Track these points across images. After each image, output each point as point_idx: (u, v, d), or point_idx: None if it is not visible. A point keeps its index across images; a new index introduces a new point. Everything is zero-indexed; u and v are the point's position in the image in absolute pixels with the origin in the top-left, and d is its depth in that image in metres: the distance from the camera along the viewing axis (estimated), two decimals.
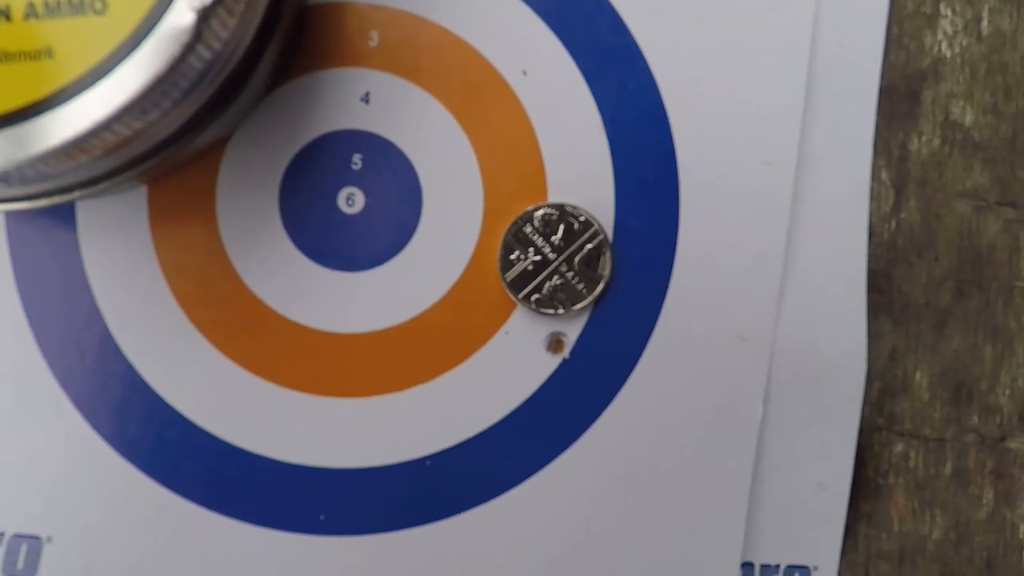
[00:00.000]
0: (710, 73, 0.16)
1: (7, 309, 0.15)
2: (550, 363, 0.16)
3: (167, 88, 0.12)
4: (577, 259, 0.15)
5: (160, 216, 0.15)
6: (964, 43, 0.18)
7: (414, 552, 0.15)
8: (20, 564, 0.15)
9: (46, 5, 0.11)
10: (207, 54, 0.12)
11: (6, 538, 0.15)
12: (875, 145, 0.17)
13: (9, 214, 0.15)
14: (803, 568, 0.17)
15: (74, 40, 0.11)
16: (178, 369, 0.15)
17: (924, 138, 0.18)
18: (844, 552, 0.18)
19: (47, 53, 0.11)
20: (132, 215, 0.15)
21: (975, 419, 0.18)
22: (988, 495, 0.18)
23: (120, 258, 0.15)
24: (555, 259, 0.15)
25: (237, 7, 0.12)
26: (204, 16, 0.11)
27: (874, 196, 0.17)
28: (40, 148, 0.11)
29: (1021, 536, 0.18)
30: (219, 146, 0.15)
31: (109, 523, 0.15)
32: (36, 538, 0.15)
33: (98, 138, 0.12)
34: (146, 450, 0.15)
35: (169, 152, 0.14)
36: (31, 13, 0.11)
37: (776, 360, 0.16)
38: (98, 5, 0.11)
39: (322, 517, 0.15)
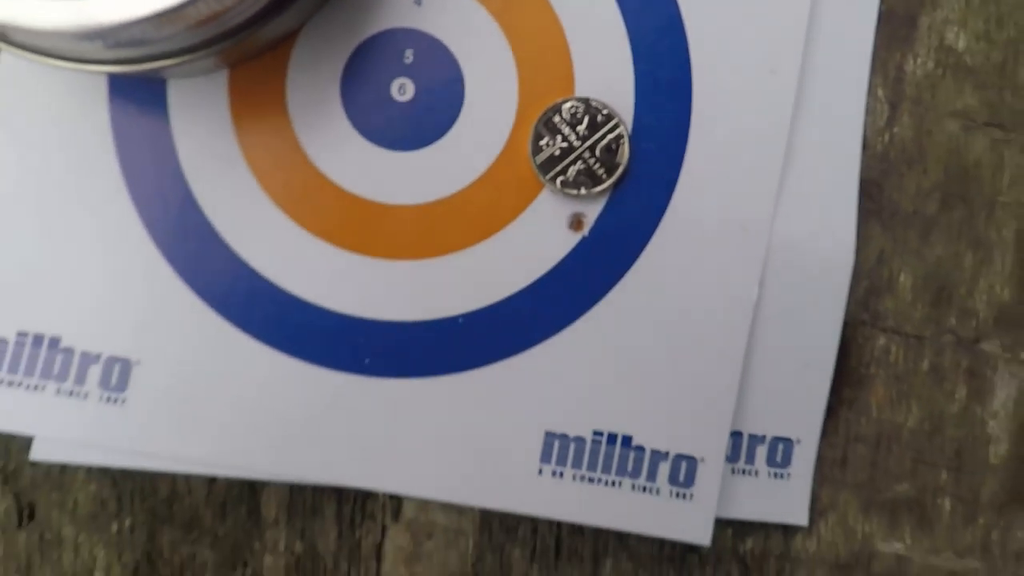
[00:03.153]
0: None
1: (106, 168, 0.18)
2: (571, 240, 0.18)
3: None
4: (599, 147, 0.18)
5: (238, 97, 0.18)
6: None
7: (442, 396, 0.18)
8: (114, 381, 0.18)
9: None
10: None
11: (103, 359, 0.18)
12: (873, 64, 0.19)
13: (112, 87, 0.18)
14: (787, 440, 0.19)
15: None
16: (249, 227, 0.18)
17: (919, 60, 0.20)
18: (825, 432, 0.20)
19: None
20: (215, 95, 0.18)
21: (953, 321, 0.20)
22: (961, 391, 0.20)
23: (203, 130, 0.18)
24: (579, 146, 0.18)
25: None
26: None
27: (870, 111, 0.20)
28: (140, 13, 0.14)
29: (989, 431, 0.20)
30: (290, 38, 0.18)
31: (186, 352, 0.18)
32: (127, 360, 0.18)
33: (198, 19, 0.15)
34: (219, 294, 0.18)
35: (247, 35, 0.16)
36: None
37: (772, 251, 0.18)
38: None
39: (367, 360, 0.18)
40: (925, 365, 0.20)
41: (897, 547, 0.20)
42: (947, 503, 0.20)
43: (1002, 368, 0.20)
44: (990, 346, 0.20)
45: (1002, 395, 0.20)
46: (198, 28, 0.15)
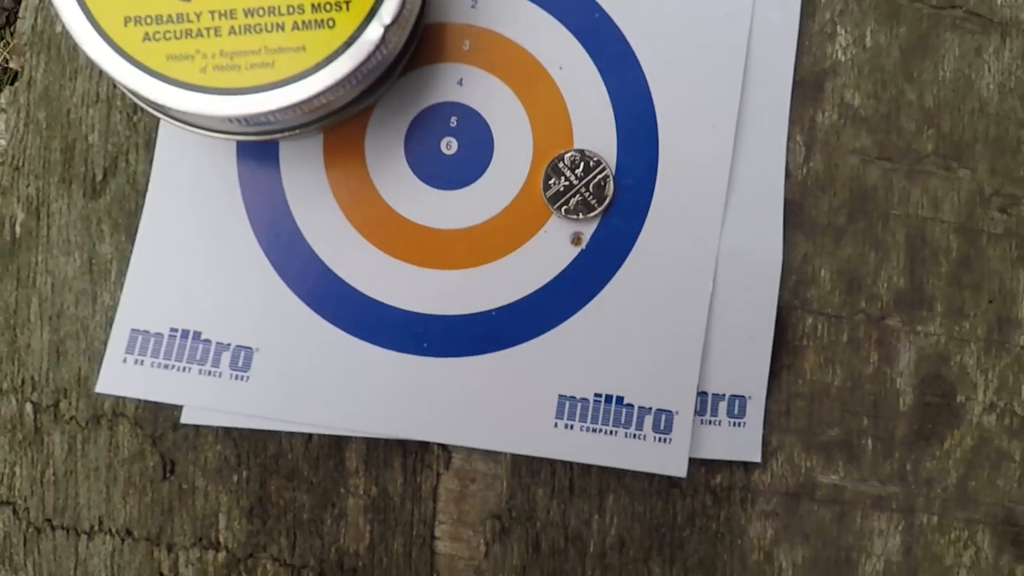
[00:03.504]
0: (679, 69, 0.25)
1: (234, 206, 0.24)
2: (572, 252, 0.25)
3: (357, 75, 0.21)
4: (592, 184, 0.24)
5: (330, 152, 0.25)
6: (853, 52, 0.26)
7: (481, 370, 0.24)
8: (240, 363, 0.24)
9: (304, 22, 0.20)
10: (384, 57, 0.21)
11: (232, 347, 0.24)
12: (791, 117, 0.26)
13: (240, 147, 0.24)
14: (741, 397, 0.25)
15: (316, 42, 0.20)
16: (337, 247, 0.24)
17: (826, 114, 0.27)
18: (771, 390, 0.26)
19: (301, 49, 0.20)
20: (313, 151, 0.24)
21: (863, 303, 0.26)
22: (873, 356, 0.26)
23: (304, 177, 0.24)
24: (577, 184, 0.24)
25: (401, 26, 0.21)
26: (386, 31, 0.21)
27: (790, 151, 0.26)
28: (306, 95, 0.20)
29: (897, 386, 0.26)
30: (369, 109, 0.25)
31: (292, 340, 0.24)
32: (250, 348, 0.24)
33: (313, 105, 0.21)
34: (315, 297, 0.24)
35: (341, 114, 0.23)
36: (295, 27, 0.20)
37: (721, 255, 0.25)
38: (330, 22, 0.20)
39: (425, 344, 0.24)
40: (844, 338, 0.26)
41: (833, 478, 0.26)
42: (869, 443, 0.26)
43: (903, 338, 0.26)
44: (893, 321, 0.26)
45: (905, 358, 0.26)
46: (309, 113, 0.22)
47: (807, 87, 0.27)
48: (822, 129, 0.27)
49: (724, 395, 0.25)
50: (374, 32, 0.21)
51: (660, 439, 0.25)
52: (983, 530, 0.26)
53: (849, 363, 0.26)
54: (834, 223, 0.27)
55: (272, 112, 0.21)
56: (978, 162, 0.27)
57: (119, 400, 0.24)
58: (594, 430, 0.24)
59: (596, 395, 0.25)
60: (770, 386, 0.26)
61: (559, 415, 0.24)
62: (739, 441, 0.25)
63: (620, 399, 0.25)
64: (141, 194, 0.24)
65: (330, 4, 0.21)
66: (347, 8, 0.21)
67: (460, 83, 0.25)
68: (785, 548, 0.26)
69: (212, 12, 0.20)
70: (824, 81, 0.27)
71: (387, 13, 0.21)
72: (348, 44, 0.21)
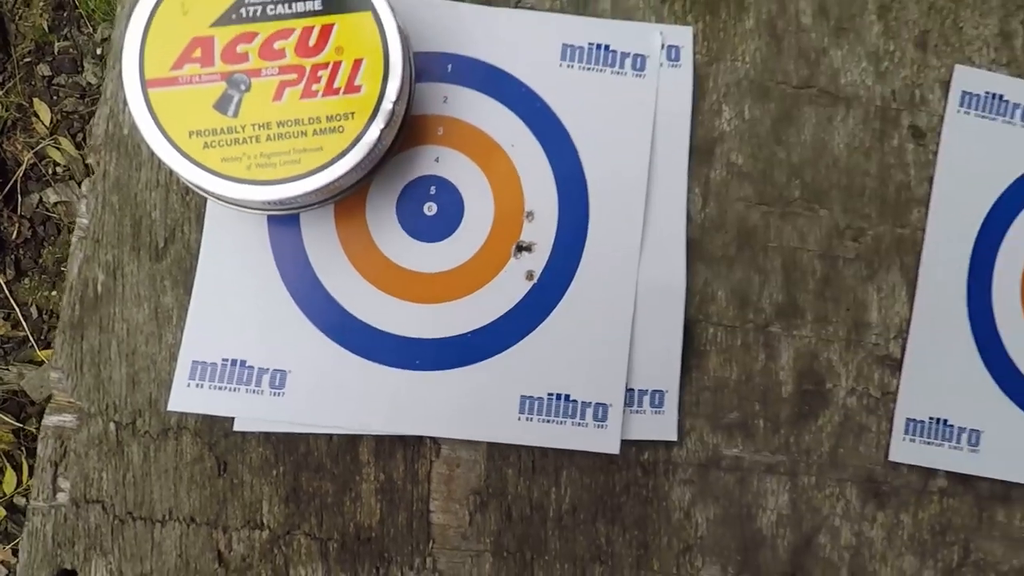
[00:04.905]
0: (602, 144, 0.33)
1: (267, 261, 0.32)
2: (527, 286, 0.33)
3: (361, 165, 0.29)
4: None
5: (340, 216, 0.32)
6: (736, 124, 0.35)
7: (460, 380, 0.32)
8: (277, 383, 0.31)
9: (321, 129, 0.28)
10: (380, 149, 0.29)
11: (270, 371, 0.31)
12: (690, 174, 0.34)
13: (270, 217, 0.32)
14: (660, 391, 0.33)
15: (331, 144, 0.28)
16: (347, 289, 0.32)
17: (717, 171, 0.35)
18: (683, 386, 0.34)
19: (320, 149, 0.28)
20: (327, 217, 0.32)
21: (751, 315, 0.35)
22: (761, 356, 0.35)
23: (320, 235, 0.32)
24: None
25: (393, 127, 0.29)
26: (382, 132, 0.28)
27: (691, 201, 0.35)
28: (324, 183, 0.28)
29: (780, 378, 0.35)
30: (369, 183, 0.33)
31: (316, 363, 0.31)
32: (284, 371, 0.31)
33: (329, 187, 0.29)
34: (332, 328, 0.32)
35: (349, 191, 0.31)
36: (315, 132, 0.28)
37: (640, 284, 0.33)
38: (340, 128, 0.28)
39: (417, 361, 0.32)
40: (738, 342, 0.35)
41: (734, 451, 0.34)
42: (761, 423, 0.34)
43: (783, 341, 0.35)
44: (775, 328, 0.35)
45: (785, 356, 0.35)
46: (325, 193, 0.30)
47: (702, 152, 0.35)
48: (715, 183, 0.35)
49: (647, 390, 0.33)
50: (373, 134, 0.29)
51: (598, 426, 0.33)
52: (851, 487, 0.35)
53: (743, 362, 0.35)
54: (727, 255, 0.35)
55: (298, 196, 0.29)
56: (834, 204, 0.35)
57: (183, 416, 0.32)
58: (548, 421, 0.32)
59: (549, 394, 0.32)
60: (682, 382, 0.34)
61: (521, 411, 0.32)
62: (660, 425, 0.33)
63: (567, 396, 0.33)
64: (194, 256, 0.32)
65: (340, 115, 0.29)
66: (352, 117, 0.29)
67: (437, 160, 0.33)
68: (700, 507, 0.34)
69: (254, 125, 0.28)
70: (715, 146, 0.35)
71: (382, 119, 0.29)
72: (355, 143, 0.29)
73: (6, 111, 0.69)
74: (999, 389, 0.35)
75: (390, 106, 0.29)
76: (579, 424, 0.33)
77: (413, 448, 0.33)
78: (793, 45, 0.36)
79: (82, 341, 0.32)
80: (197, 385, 0.31)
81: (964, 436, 0.35)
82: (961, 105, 0.36)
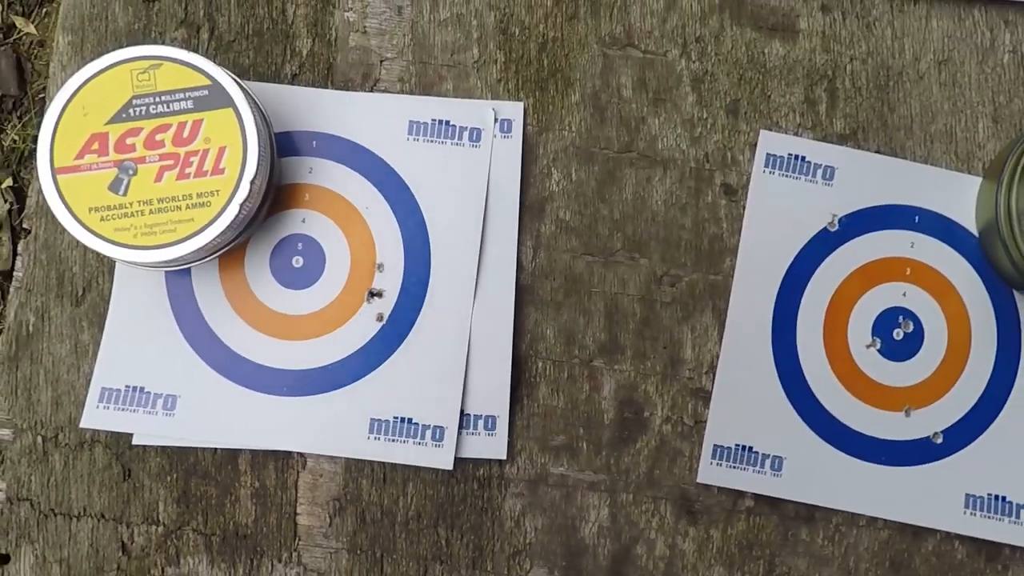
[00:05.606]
0: (442, 205, 0.39)
1: (164, 308, 0.39)
2: (377, 326, 0.39)
3: (227, 232, 0.36)
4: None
5: (224, 270, 0.39)
6: (564, 184, 0.41)
7: (321, 405, 0.39)
8: (169, 405, 0.38)
9: (192, 204, 0.35)
10: (242, 217, 0.36)
11: (164, 395, 0.38)
12: (523, 230, 0.40)
13: (167, 271, 0.39)
14: (492, 416, 0.39)
15: (200, 216, 0.35)
16: (227, 327, 0.39)
17: (547, 226, 0.41)
18: (516, 412, 0.40)
19: (191, 220, 0.35)
20: (211, 269, 0.39)
21: (577, 351, 0.40)
22: (586, 387, 0.40)
23: (207, 284, 0.39)
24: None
25: (253, 199, 0.36)
26: (242, 204, 0.35)
27: (523, 253, 0.40)
28: (195, 248, 0.35)
29: (602, 407, 0.40)
30: (247, 241, 0.39)
31: (204, 389, 0.38)
32: (175, 395, 0.38)
33: (201, 250, 0.36)
34: (215, 361, 0.39)
35: (228, 248, 0.38)
36: (188, 207, 0.35)
37: (472, 327, 0.39)
38: (207, 203, 0.35)
39: (284, 388, 0.38)
40: (565, 375, 0.40)
41: (561, 470, 0.40)
42: (584, 445, 0.40)
43: (606, 374, 0.40)
44: (598, 363, 0.40)
45: (607, 387, 0.40)
46: (202, 253, 0.37)
47: (534, 209, 0.41)
48: (545, 236, 0.41)
49: (481, 415, 0.39)
50: (233, 211, 0.36)
51: (436, 445, 0.39)
52: (665, 504, 0.40)
53: (569, 392, 0.40)
54: (555, 299, 0.40)
55: (175, 259, 0.36)
56: (653, 253, 0.41)
57: (96, 432, 0.39)
58: (393, 440, 0.39)
59: (395, 417, 0.39)
60: (515, 409, 0.40)
61: (371, 431, 0.39)
62: (492, 446, 0.39)
63: (410, 419, 0.39)
64: (107, 302, 0.40)
65: (208, 192, 0.36)
66: (217, 194, 0.36)
67: (304, 221, 0.40)
68: (530, 517, 0.39)
69: (139, 201, 0.36)
70: (545, 204, 0.41)
71: (241, 194, 0.36)
72: (219, 215, 0.36)
73: (24, 143, 0.79)
74: (800, 420, 0.40)
75: (247, 184, 0.36)
76: (419, 443, 0.39)
77: (283, 461, 0.40)
78: (615, 115, 0.41)
79: (17, 371, 0.40)
80: (105, 407, 0.38)
81: (768, 461, 0.39)
82: (766, 166, 0.41)
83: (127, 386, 0.39)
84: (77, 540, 0.39)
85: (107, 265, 0.40)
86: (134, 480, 0.40)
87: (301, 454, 0.40)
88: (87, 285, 0.40)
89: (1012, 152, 0.38)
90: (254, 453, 0.40)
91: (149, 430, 0.39)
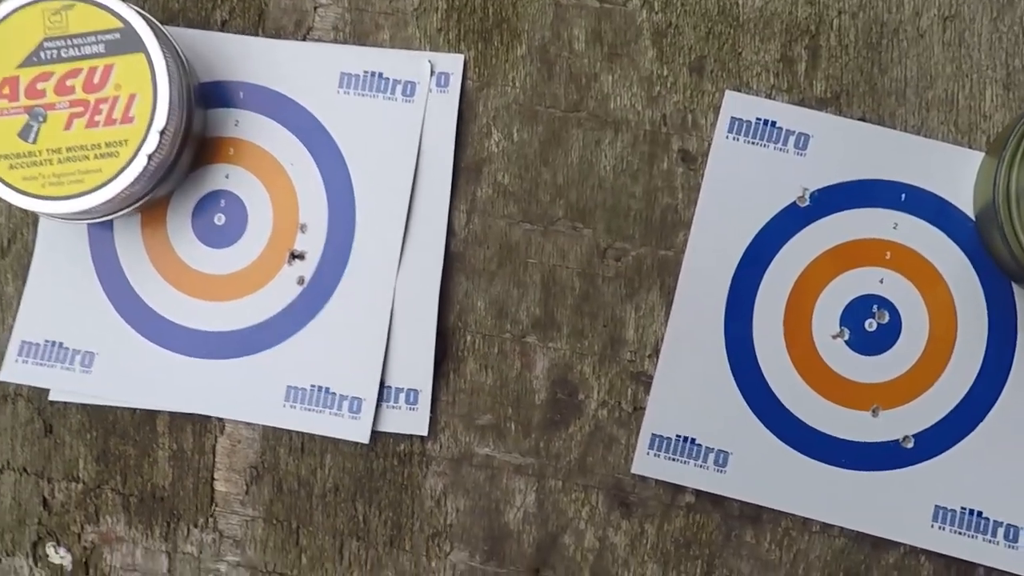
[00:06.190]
0: (370, 161, 0.37)
1: (86, 263, 0.38)
2: (298, 289, 0.37)
3: (135, 184, 0.34)
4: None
5: (145, 224, 0.38)
6: (504, 145, 0.38)
7: (242, 368, 0.37)
8: (86, 362, 0.38)
9: (100, 154, 0.34)
10: (152, 169, 0.34)
11: (81, 351, 0.38)
12: (457, 193, 0.37)
13: (90, 224, 0.38)
14: (414, 390, 0.37)
15: (108, 166, 0.34)
16: (150, 288, 0.38)
17: (483, 190, 0.38)
18: (441, 387, 0.38)
19: (99, 171, 0.34)
20: (133, 224, 0.38)
21: (509, 326, 0.38)
22: (517, 364, 0.37)
23: (129, 241, 0.38)
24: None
25: (163, 150, 0.34)
26: (150, 156, 0.34)
27: (456, 217, 0.38)
28: (102, 200, 0.34)
29: (534, 386, 0.37)
30: (169, 195, 0.38)
31: (123, 348, 0.38)
32: (93, 352, 0.38)
33: (116, 199, 0.35)
34: (138, 322, 0.38)
35: (147, 199, 0.36)
36: (95, 157, 0.34)
37: (395, 292, 0.37)
38: (115, 153, 0.34)
39: (202, 350, 0.37)
40: (496, 350, 0.37)
41: (486, 450, 0.37)
42: (513, 426, 0.37)
43: (539, 351, 0.37)
44: (531, 339, 0.37)
45: (540, 366, 0.37)
46: (116, 205, 0.35)
47: (470, 171, 0.38)
48: (480, 201, 0.38)
49: (403, 388, 0.37)
50: (140, 162, 0.34)
51: (352, 417, 0.37)
52: (597, 493, 0.37)
53: (499, 368, 0.38)
54: (488, 268, 0.38)
55: (83, 211, 0.35)
56: (597, 224, 0.37)
57: (19, 386, 0.39)
58: (309, 409, 0.37)
59: (312, 385, 0.37)
60: (440, 384, 0.38)
61: (287, 399, 0.37)
62: (413, 421, 0.37)
63: (327, 388, 0.37)
64: (31, 255, 0.39)
65: (116, 142, 0.34)
66: (125, 144, 0.34)
67: (227, 177, 0.38)
68: (452, 498, 0.37)
69: (48, 150, 0.34)
70: (483, 167, 0.38)
71: (150, 145, 0.34)
72: (127, 166, 0.34)
73: None
74: (751, 412, 0.36)
75: (156, 135, 0.34)
76: (336, 414, 0.37)
77: (201, 424, 0.39)
78: (565, 70, 0.38)
79: None
80: (24, 361, 0.38)
81: (712, 456, 0.36)
82: (730, 131, 0.36)
83: (46, 340, 0.38)
84: (1, 493, 0.39)
85: (32, 216, 0.40)
86: (55, 436, 0.39)
87: (220, 419, 0.39)
88: (12, 236, 0.40)
89: (1018, 125, 0.33)
90: (172, 415, 0.39)
91: (65, 387, 0.38)
